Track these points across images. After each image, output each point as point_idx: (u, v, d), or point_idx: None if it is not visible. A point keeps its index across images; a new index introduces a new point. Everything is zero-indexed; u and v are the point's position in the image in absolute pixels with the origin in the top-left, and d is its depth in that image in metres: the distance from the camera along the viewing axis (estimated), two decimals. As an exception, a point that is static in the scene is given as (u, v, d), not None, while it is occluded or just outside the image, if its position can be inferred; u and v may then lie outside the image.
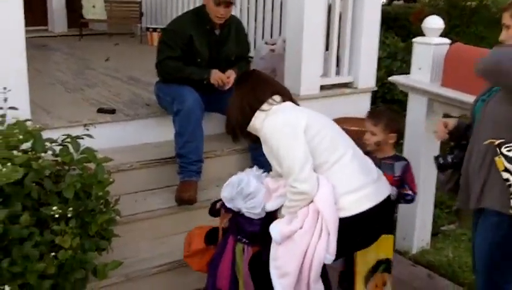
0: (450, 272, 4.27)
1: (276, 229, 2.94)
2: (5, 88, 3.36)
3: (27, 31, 3.80)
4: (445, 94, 4.07)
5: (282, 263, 2.93)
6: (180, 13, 7.80)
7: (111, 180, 3.35)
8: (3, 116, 3.31)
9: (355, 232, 3.00)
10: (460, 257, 4.45)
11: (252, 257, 3.19)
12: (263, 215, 3.15)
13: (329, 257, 2.91)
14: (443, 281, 4.20)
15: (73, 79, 5.73)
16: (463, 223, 4.98)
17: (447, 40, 4.25)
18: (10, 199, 2.97)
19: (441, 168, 3.21)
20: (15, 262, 2.89)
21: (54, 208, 3.02)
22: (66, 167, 3.28)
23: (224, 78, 4.23)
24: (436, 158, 3.22)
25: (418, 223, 4.50)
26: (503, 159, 2.66)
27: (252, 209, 3.15)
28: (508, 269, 2.92)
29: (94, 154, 3.34)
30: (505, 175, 2.66)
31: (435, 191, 4.55)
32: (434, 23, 4.20)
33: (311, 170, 2.88)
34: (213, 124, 4.47)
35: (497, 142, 2.69)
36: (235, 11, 5.59)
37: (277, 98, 3.13)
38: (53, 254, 3.00)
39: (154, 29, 8.13)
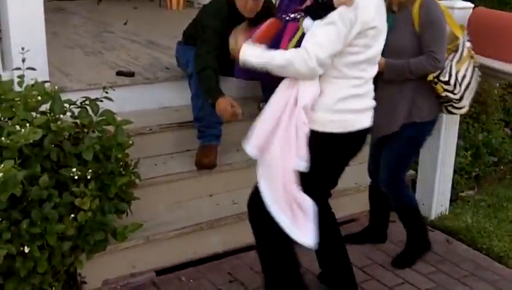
0: (469, 237, 4.26)
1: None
2: (23, 48, 3.35)
3: (45, -7, 3.78)
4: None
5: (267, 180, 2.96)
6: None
7: (130, 142, 3.36)
8: (22, 76, 3.31)
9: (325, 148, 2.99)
10: (479, 223, 4.43)
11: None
12: None
13: (302, 162, 2.89)
14: (461, 246, 4.19)
15: (91, 42, 5.71)
16: (482, 189, 4.95)
17: (470, 4, 4.18)
18: (29, 161, 2.99)
19: None
20: (34, 223, 2.92)
21: (73, 169, 3.04)
22: (85, 130, 3.30)
23: (234, 112, 3.63)
24: None
25: (436, 189, 4.46)
26: (441, 84, 3.47)
27: None
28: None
29: (113, 116, 3.35)
30: (444, 93, 3.52)
31: (455, 157, 4.51)
32: (457, -14, 4.13)
33: (327, 60, 2.80)
34: (232, 88, 4.43)
35: (433, 76, 3.45)
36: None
37: None
38: (72, 215, 3.03)
39: (173, -7, 8.05)
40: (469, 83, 3.61)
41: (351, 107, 2.95)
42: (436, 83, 3.48)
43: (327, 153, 3.00)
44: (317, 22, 2.84)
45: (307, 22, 2.91)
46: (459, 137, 4.55)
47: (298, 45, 2.90)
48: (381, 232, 4.07)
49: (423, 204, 4.46)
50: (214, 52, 3.82)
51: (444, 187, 4.52)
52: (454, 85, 3.50)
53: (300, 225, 2.97)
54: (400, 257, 3.93)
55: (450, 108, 3.66)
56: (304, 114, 2.86)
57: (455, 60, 3.53)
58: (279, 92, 2.95)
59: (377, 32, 2.87)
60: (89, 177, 3.07)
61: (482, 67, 3.98)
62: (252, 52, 2.95)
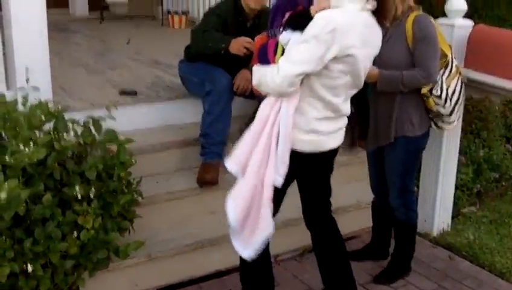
0: (471, 253, 4.26)
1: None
2: (27, 68, 3.39)
3: (48, 13, 3.82)
4: (467, 75, 4.02)
5: (236, 188, 3.02)
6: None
7: (133, 161, 3.38)
8: (26, 96, 3.34)
9: (306, 167, 3.09)
10: (481, 239, 4.43)
11: None
12: None
13: (279, 178, 2.95)
14: (464, 263, 4.19)
15: (94, 61, 5.76)
16: (484, 205, 4.96)
17: (469, 22, 4.20)
18: (33, 179, 3.02)
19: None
20: (37, 242, 2.95)
21: (76, 188, 3.07)
22: (88, 148, 3.32)
23: (247, 44, 3.97)
24: None
25: (438, 205, 4.47)
26: (433, 98, 3.53)
27: None
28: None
29: (116, 135, 3.38)
30: (435, 108, 3.57)
31: (456, 173, 4.53)
32: (457, 4, 4.14)
33: (296, 78, 2.80)
34: (236, 107, 4.46)
35: (427, 89, 3.49)
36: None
37: None
38: (75, 234, 3.05)
39: (176, 12, 8.11)
40: (458, 99, 3.66)
41: (323, 129, 2.99)
42: (428, 97, 3.52)
43: (296, 170, 3.04)
44: (296, 36, 2.85)
45: (283, 36, 2.93)
46: (460, 153, 4.57)
47: None
48: (383, 249, 4.08)
49: (425, 220, 4.47)
50: (210, 29, 4.08)
51: (445, 203, 4.53)
52: (445, 100, 3.55)
53: (246, 240, 3.06)
54: (382, 273, 3.94)
55: (439, 123, 3.71)
56: (286, 131, 2.89)
57: (445, 75, 3.59)
58: (261, 109, 2.98)
59: (355, 61, 2.86)
60: (91, 195, 3.10)
61: (483, 84, 4.01)
62: (253, 71, 3.01)
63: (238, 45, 4.00)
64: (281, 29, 2.99)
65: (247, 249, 3.08)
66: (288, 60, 2.81)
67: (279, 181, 2.97)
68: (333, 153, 3.16)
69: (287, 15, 3.01)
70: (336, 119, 3.04)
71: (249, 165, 2.97)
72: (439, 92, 3.51)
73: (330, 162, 3.24)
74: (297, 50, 2.79)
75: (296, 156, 2.97)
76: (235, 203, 3.00)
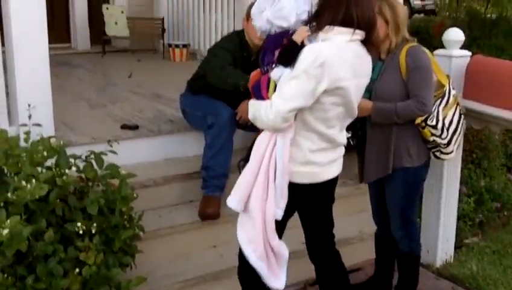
0: (475, 285, 4.24)
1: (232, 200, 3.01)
2: (29, 105, 3.42)
3: (50, 48, 3.87)
4: (466, 106, 4.05)
5: (246, 230, 3.01)
6: (202, 29, 7.97)
7: (135, 195, 3.39)
8: (28, 133, 3.37)
9: (303, 198, 3.10)
10: (484, 270, 4.41)
11: None
12: (291, 24, 3.10)
13: (279, 211, 2.96)
14: (467, 294, 4.18)
15: (96, 95, 5.80)
16: (486, 236, 4.95)
17: (467, 52, 4.24)
18: (35, 215, 3.02)
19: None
20: (40, 279, 2.93)
21: (78, 224, 3.07)
22: (90, 183, 3.33)
23: (245, 115, 3.96)
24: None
25: (441, 236, 4.46)
26: (429, 128, 3.51)
27: (279, 13, 3.09)
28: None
29: (118, 170, 3.39)
30: (432, 138, 3.55)
31: (458, 204, 4.53)
32: (454, 35, 4.18)
33: (289, 114, 2.81)
34: (238, 140, 4.48)
35: (421, 119, 3.47)
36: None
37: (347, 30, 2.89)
38: (77, 270, 3.03)
39: (177, 46, 8.20)
40: (456, 128, 3.66)
41: (319, 160, 3.00)
42: (423, 127, 3.53)
43: (296, 202, 3.05)
44: (287, 72, 2.88)
45: (275, 72, 2.97)
46: (461, 183, 4.57)
47: None
48: (386, 281, 4.06)
49: (428, 251, 4.46)
50: (226, 65, 4.13)
51: (448, 234, 4.53)
52: (442, 130, 3.55)
53: (275, 272, 3.05)
54: None
55: (437, 153, 3.70)
56: (283, 165, 2.91)
57: (442, 105, 3.59)
58: (257, 143, 2.99)
59: (347, 93, 2.88)
60: (93, 231, 3.09)
61: (481, 114, 4.03)
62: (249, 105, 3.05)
63: (243, 108, 4.07)
64: (273, 65, 3.03)
65: (278, 278, 3.08)
66: (281, 96, 2.82)
67: (280, 214, 2.97)
68: (332, 183, 3.16)
69: (277, 52, 3.06)
70: (332, 149, 3.05)
71: (251, 202, 2.97)
72: (434, 122, 3.51)
73: (330, 193, 3.24)
74: (289, 86, 2.81)
75: (294, 189, 2.98)
76: (253, 246, 2.99)
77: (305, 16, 3.10)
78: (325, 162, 3.02)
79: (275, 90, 2.96)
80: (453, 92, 3.67)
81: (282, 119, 2.81)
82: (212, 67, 4.23)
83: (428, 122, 3.50)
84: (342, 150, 3.15)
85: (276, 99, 2.83)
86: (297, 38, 2.99)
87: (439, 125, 3.52)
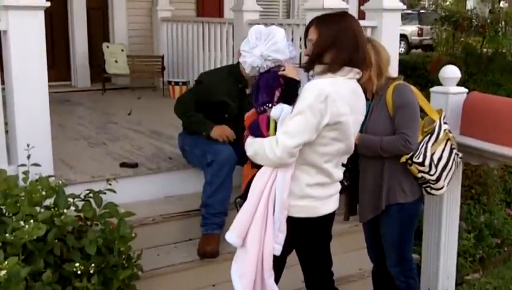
0: (476, 322, 4.22)
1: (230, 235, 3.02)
2: (28, 145, 3.44)
3: (50, 86, 3.90)
4: (464, 142, 4.05)
5: (240, 263, 3.01)
6: (201, 66, 8.02)
7: (133, 235, 3.39)
8: (27, 172, 3.38)
9: (303, 233, 3.11)
10: (486, 306, 4.39)
11: None
12: (287, 57, 3.22)
13: (278, 246, 2.96)
14: (469, 332, 4.14)
15: (96, 133, 5.82)
16: (487, 272, 4.92)
17: (463, 89, 4.26)
18: (33, 256, 3.01)
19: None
20: (38, 319, 2.92)
21: (77, 264, 3.06)
22: (89, 222, 3.33)
23: (228, 133, 4.26)
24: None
25: (441, 273, 4.43)
26: (416, 165, 3.51)
27: (274, 46, 3.19)
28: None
29: (116, 209, 3.39)
30: (420, 174, 3.55)
31: (458, 240, 4.51)
32: (451, 72, 4.21)
33: (295, 149, 2.86)
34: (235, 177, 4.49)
35: (406, 157, 3.48)
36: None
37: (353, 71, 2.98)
38: (75, 310, 3.02)
39: (176, 83, 8.25)
40: (446, 164, 3.66)
41: (316, 194, 3.01)
42: (410, 165, 3.54)
43: (294, 237, 3.05)
44: (287, 109, 2.94)
45: (274, 111, 3.00)
46: (460, 219, 4.56)
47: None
48: None
49: (429, 289, 4.43)
50: (193, 100, 4.35)
51: (448, 271, 4.49)
52: (430, 166, 3.54)
53: None
54: None
55: (428, 189, 3.71)
56: (282, 199, 2.93)
57: (431, 141, 3.59)
58: (256, 179, 3.00)
59: (346, 128, 2.93)
60: (91, 271, 3.08)
61: (479, 150, 4.03)
62: (246, 143, 3.09)
63: (221, 131, 4.24)
64: (269, 105, 3.08)
65: None
66: (287, 132, 2.86)
67: (278, 249, 2.97)
68: (329, 218, 3.17)
69: (277, 92, 3.10)
70: (329, 185, 3.07)
71: (248, 237, 2.98)
72: (421, 159, 3.50)
73: (327, 229, 3.24)
74: (294, 122, 2.85)
75: (292, 223, 2.98)
76: (243, 282, 2.99)
77: (294, 54, 3.29)
78: (322, 197, 3.04)
79: (275, 128, 3.00)
80: (444, 126, 3.68)
81: (288, 155, 2.85)
82: (178, 113, 4.44)
83: (414, 159, 3.50)
84: (338, 186, 3.16)
85: (282, 136, 2.86)
86: (293, 76, 3.05)
87: (427, 162, 3.53)
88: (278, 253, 2.98)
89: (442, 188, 3.71)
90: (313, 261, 3.29)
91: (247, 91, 4.37)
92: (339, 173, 3.11)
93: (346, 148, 3.04)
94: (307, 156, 2.93)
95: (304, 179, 2.97)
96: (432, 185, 3.66)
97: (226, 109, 4.31)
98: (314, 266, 3.30)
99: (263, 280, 2.99)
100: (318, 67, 2.96)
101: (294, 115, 2.86)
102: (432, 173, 3.57)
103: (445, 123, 3.71)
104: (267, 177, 2.96)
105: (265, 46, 3.22)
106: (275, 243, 2.96)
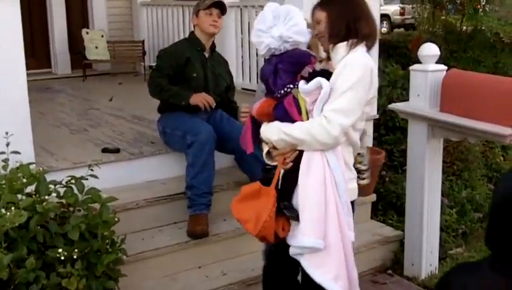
0: (460, 296, 4.25)
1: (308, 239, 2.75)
2: (6, 133, 3.41)
3: (30, 74, 3.87)
4: (444, 119, 4.10)
5: (327, 266, 2.77)
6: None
7: (116, 219, 3.38)
8: (6, 160, 3.36)
9: None
10: (469, 281, 4.43)
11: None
12: (308, 39, 2.94)
13: (352, 233, 2.85)
14: (453, 306, 4.17)
15: (77, 120, 5.79)
16: (470, 246, 4.98)
17: (443, 67, 4.29)
18: (15, 243, 3.00)
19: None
20: (22, 306, 2.92)
21: (60, 250, 3.05)
22: (71, 209, 3.32)
23: (209, 99, 4.31)
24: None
25: (425, 248, 4.49)
26: None
27: (296, 28, 2.87)
28: None
29: (99, 194, 3.38)
30: None
31: (441, 215, 4.56)
32: (429, 50, 4.24)
33: (349, 127, 2.76)
34: (217, 159, 4.49)
35: None
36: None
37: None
38: (60, 296, 3.02)
39: (157, 67, 8.21)
40: None
41: (354, 175, 2.97)
42: None
43: None
44: (327, 84, 2.74)
45: (302, 85, 2.79)
46: (443, 195, 4.61)
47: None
48: None
49: (412, 264, 4.48)
50: (165, 76, 4.39)
51: (431, 246, 4.55)
52: None
53: None
54: None
55: None
56: (343, 180, 2.78)
57: None
58: (305, 168, 2.78)
59: (375, 101, 2.93)
60: (75, 257, 3.08)
61: (459, 126, 4.07)
62: (269, 128, 2.91)
63: (201, 98, 4.29)
64: (291, 86, 2.86)
65: None
66: (341, 110, 2.71)
67: (353, 236, 2.85)
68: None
69: (299, 77, 2.87)
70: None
71: (330, 233, 2.74)
72: None
73: None
74: (346, 99, 2.71)
75: None
76: (340, 283, 2.76)
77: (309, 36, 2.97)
78: (355, 177, 2.99)
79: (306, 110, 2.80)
80: None
81: (344, 134, 2.74)
82: (153, 93, 4.47)
83: None
84: None
85: (335, 115, 2.69)
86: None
87: None
88: (353, 239, 2.85)
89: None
90: None
91: (206, 54, 4.50)
92: None
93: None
94: (350, 133, 2.83)
95: (350, 160, 2.92)
96: None
97: (193, 68, 4.39)
98: None
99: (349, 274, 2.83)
100: (343, 44, 2.84)
101: (343, 93, 2.71)
102: None
103: None
104: (321, 163, 2.75)
105: (285, 26, 2.87)
106: (349, 230, 2.81)
